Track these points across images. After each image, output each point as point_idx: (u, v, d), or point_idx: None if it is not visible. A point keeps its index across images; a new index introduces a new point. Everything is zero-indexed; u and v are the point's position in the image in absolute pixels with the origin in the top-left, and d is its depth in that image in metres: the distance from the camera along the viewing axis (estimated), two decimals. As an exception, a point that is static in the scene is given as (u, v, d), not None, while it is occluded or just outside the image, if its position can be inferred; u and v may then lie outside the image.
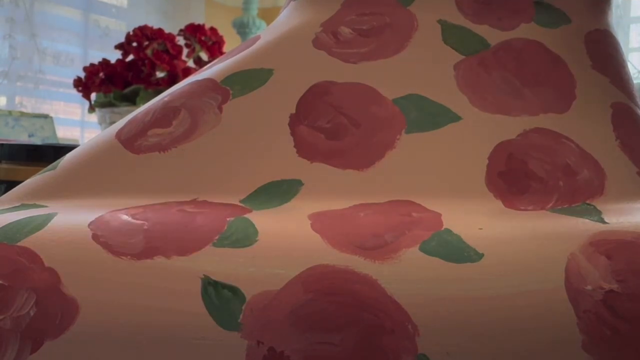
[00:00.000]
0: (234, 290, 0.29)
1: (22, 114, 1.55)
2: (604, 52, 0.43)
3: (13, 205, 0.37)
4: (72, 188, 0.38)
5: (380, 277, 0.29)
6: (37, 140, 1.46)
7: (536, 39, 0.43)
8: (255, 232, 0.32)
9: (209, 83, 0.42)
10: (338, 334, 0.27)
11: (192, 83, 0.42)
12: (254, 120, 0.39)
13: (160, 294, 0.29)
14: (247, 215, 0.33)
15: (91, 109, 1.03)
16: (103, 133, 0.41)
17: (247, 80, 0.42)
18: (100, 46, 2.75)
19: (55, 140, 1.51)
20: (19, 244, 0.31)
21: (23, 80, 2.56)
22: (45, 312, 0.29)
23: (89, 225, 0.33)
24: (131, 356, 0.28)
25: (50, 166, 0.40)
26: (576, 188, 0.36)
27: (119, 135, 0.40)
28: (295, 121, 0.39)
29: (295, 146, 0.38)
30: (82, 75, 1.03)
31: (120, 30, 2.80)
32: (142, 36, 1.02)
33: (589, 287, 0.28)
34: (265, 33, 0.46)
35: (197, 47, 1.08)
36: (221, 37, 1.11)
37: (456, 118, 0.39)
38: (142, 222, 0.33)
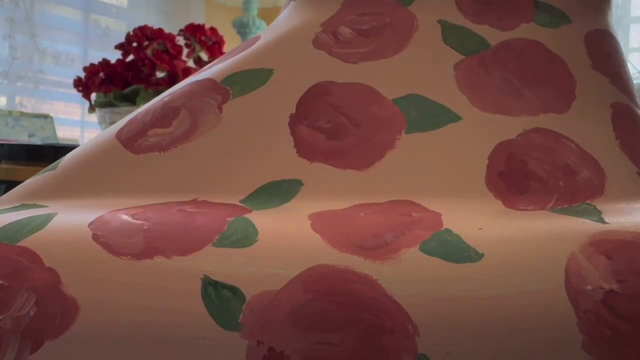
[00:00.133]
0: (234, 290, 0.29)
1: (22, 114, 1.55)
2: (604, 52, 0.43)
3: (13, 205, 0.37)
4: (72, 188, 0.38)
5: (380, 277, 0.29)
6: (37, 140, 1.46)
7: (536, 39, 0.43)
8: (255, 232, 0.32)
9: (209, 83, 0.42)
10: (338, 334, 0.27)
11: (192, 83, 0.42)
12: (254, 120, 0.39)
13: (160, 294, 0.29)
14: (247, 215, 0.33)
15: (91, 109, 1.03)
16: (103, 133, 0.41)
17: (247, 80, 0.42)
18: (100, 46, 2.75)
19: (55, 140, 1.51)
20: (19, 244, 0.31)
21: (23, 80, 2.56)
22: (45, 312, 0.29)
23: (89, 225, 0.33)
24: (131, 356, 0.28)
25: (50, 166, 0.40)
26: (576, 188, 0.36)
27: (119, 135, 0.40)
28: (295, 121, 0.39)
29: (295, 146, 0.38)
30: (82, 75, 1.03)
31: (120, 30, 2.80)
32: (142, 36, 1.02)
33: (589, 287, 0.28)
34: (265, 33, 0.46)
35: (197, 47, 1.08)
36: (221, 37, 1.11)
37: (456, 118, 0.39)
38: (142, 222, 0.33)
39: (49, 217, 0.33)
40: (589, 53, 0.43)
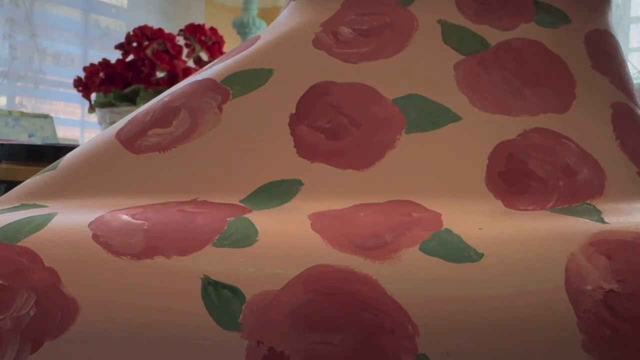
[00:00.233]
0: (234, 290, 0.29)
1: (22, 114, 1.55)
2: (604, 52, 0.43)
3: (13, 205, 0.37)
4: (72, 188, 0.38)
5: (380, 277, 0.29)
6: (37, 140, 1.46)
7: (536, 39, 0.43)
8: (255, 232, 0.32)
9: (209, 83, 0.42)
10: (338, 334, 0.27)
11: (192, 83, 0.42)
12: (254, 120, 0.39)
13: (160, 294, 0.29)
14: (247, 215, 0.33)
15: (91, 109, 1.03)
16: (103, 133, 0.41)
17: (247, 80, 0.42)
18: (100, 46, 2.75)
19: (55, 140, 1.51)
20: (19, 244, 0.31)
21: (23, 80, 2.56)
22: (45, 312, 0.29)
23: (89, 225, 0.33)
24: (131, 356, 0.28)
25: (50, 166, 0.40)
26: (576, 188, 0.36)
27: (119, 135, 0.40)
28: (295, 121, 0.39)
29: (295, 146, 0.38)
30: (82, 75, 1.03)
31: (120, 30, 2.80)
32: (142, 36, 1.02)
33: (589, 287, 0.28)
34: (265, 33, 0.46)
35: (197, 47, 1.08)
36: (221, 37, 1.11)
37: (456, 118, 0.39)
38: (142, 222, 0.33)
39: (49, 217, 0.33)
40: (589, 53, 0.43)
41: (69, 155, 0.40)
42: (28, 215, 0.34)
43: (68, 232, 0.32)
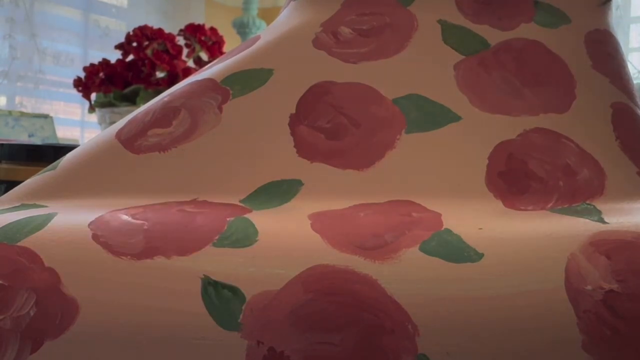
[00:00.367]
0: (234, 290, 0.29)
1: (22, 114, 1.55)
2: (604, 52, 0.43)
3: (13, 205, 0.37)
4: (72, 188, 0.38)
5: (380, 277, 0.29)
6: (37, 140, 1.46)
7: (536, 39, 0.43)
8: (255, 232, 0.32)
9: (209, 83, 0.42)
10: (338, 334, 0.27)
11: (192, 83, 0.42)
12: (254, 120, 0.39)
13: (160, 294, 0.29)
14: (247, 215, 0.33)
15: (91, 109, 1.03)
16: (103, 133, 0.41)
17: (247, 80, 0.42)
18: (100, 46, 2.75)
19: (55, 140, 1.51)
20: (19, 244, 0.31)
21: (23, 80, 2.56)
22: (45, 312, 0.29)
23: (89, 225, 0.33)
24: (131, 356, 0.28)
25: (50, 166, 0.40)
26: (576, 188, 0.36)
27: (119, 135, 0.40)
28: (295, 121, 0.39)
29: (295, 146, 0.38)
30: (82, 75, 1.03)
31: (120, 30, 2.80)
32: (142, 36, 1.02)
33: (589, 287, 0.28)
34: (265, 33, 0.46)
35: (197, 47, 1.08)
36: (221, 37, 1.11)
37: (456, 118, 0.39)
38: (142, 222, 0.33)
39: (49, 217, 0.33)
40: (589, 53, 0.43)
41: (69, 155, 0.40)
42: (28, 215, 0.34)
43: (68, 232, 0.32)
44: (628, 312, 0.28)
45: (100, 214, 0.34)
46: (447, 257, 0.30)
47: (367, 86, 0.41)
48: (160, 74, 1.01)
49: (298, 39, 0.44)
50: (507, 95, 0.40)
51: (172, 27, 1.30)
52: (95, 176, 0.38)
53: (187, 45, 1.08)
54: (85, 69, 1.03)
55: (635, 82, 0.44)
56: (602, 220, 0.32)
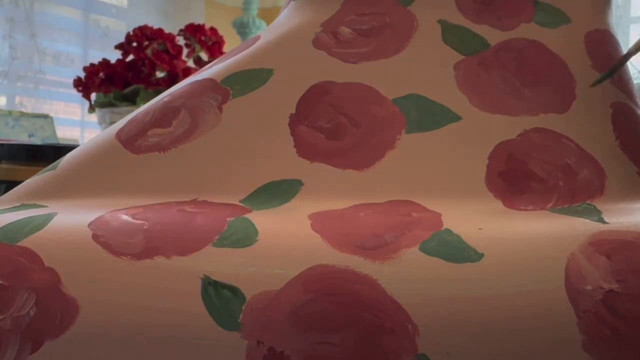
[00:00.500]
0: (234, 290, 0.29)
1: (22, 114, 1.55)
2: (604, 52, 0.43)
3: (13, 205, 0.37)
4: (72, 188, 0.38)
5: (380, 277, 0.29)
6: (37, 140, 1.46)
7: (536, 39, 0.43)
8: (255, 232, 0.32)
9: (209, 83, 0.42)
10: (338, 334, 0.27)
11: (192, 83, 0.42)
12: (254, 120, 0.39)
13: (160, 294, 0.29)
14: (247, 215, 0.33)
15: (91, 109, 1.03)
16: (103, 133, 0.41)
17: (247, 80, 0.42)
18: (100, 46, 2.75)
19: (55, 140, 1.51)
20: (19, 244, 0.31)
21: (23, 80, 2.56)
22: (45, 312, 0.29)
23: (89, 225, 0.33)
24: (131, 356, 0.28)
25: (50, 166, 0.40)
26: (576, 188, 0.36)
27: (119, 135, 0.40)
28: (295, 121, 0.39)
29: (295, 146, 0.38)
30: (82, 75, 1.03)
31: (120, 30, 2.81)
32: (142, 36, 1.02)
33: (589, 287, 0.28)
34: (265, 33, 0.46)
35: (197, 47, 1.08)
36: (221, 37, 1.11)
37: (456, 118, 0.39)
38: (142, 222, 0.33)
39: (49, 217, 0.33)
40: (589, 53, 0.43)
41: (69, 155, 0.40)
42: (28, 215, 0.34)
43: (68, 232, 0.32)
44: (628, 312, 0.28)
45: (100, 214, 0.34)
46: (447, 257, 0.30)
47: (367, 86, 0.41)
48: (160, 74, 1.01)
49: (298, 39, 0.44)
50: (507, 95, 0.40)
51: (172, 27, 1.30)
52: (95, 176, 0.38)
53: (187, 45, 1.08)
54: (85, 69, 1.03)
55: (635, 82, 0.44)
56: (602, 220, 0.32)
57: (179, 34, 1.08)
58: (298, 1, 0.47)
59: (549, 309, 0.28)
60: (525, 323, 0.28)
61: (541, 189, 0.36)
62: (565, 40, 0.43)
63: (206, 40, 1.08)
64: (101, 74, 1.01)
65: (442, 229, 0.32)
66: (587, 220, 0.32)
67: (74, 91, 1.06)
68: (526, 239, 0.31)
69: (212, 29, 1.11)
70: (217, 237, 0.31)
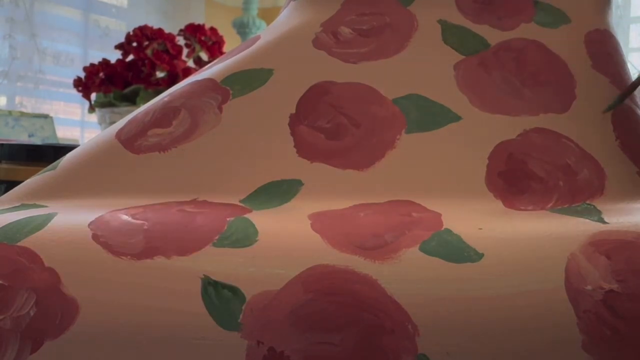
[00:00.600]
0: (234, 290, 0.29)
1: (22, 114, 1.55)
2: (604, 52, 0.43)
3: (13, 205, 0.37)
4: (72, 188, 0.38)
5: (380, 277, 0.29)
6: (37, 140, 1.46)
7: (536, 38, 0.43)
8: (255, 232, 0.32)
9: (209, 83, 0.42)
10: (338, 334, 0.27)
11: (192, 83, 0.42)
12: (254, 120, 0.40)
13: (160, 294, 0.29)
14: (247, 215, 0.33)
15: (91, 109, 1.03)
16: (103, 133, 0.41)
17: (247, 80, 0.42)
18: (100, 46, 2.75)
19: (55, 140, 1.51)
20: (19, 244, 0.31)
21: (23, 80, 2.56)
22: (45, 312, 0.29)
23: (89, 225, 0.33)
24: (131, 356, 0.28)
25: (50, 166, 0.40)
26: (576, 188, 0.36)
27: (119, 135, 0.40)
28: (295, 121, 0.39)
29: (295, 146, 0.38)
30: (82, 75, 1.03)
31: (120, 30, 2.80)
32: (142, 36, 1.02)
33: (589, 287, 0.28)
34: (265, 33, 0.46)
35: (197, 47, 1.08)
36: (221, 37, 1.11)
37: (456, 118, 0.39)
38: (142, 222, 0.33)
39: (49, 217, 0.33)
40: (589, 53, 0.43)
41: (69, 155, 0.40)
42: (28, 215, 0.34)
43: (68, 232, 0.32)
44: (628, 312, 0.28)
45: (100, 214, 0.34)
46: (447, 257, 0.30)
47: (367, 86, 0.41)
48: (160, 74, 1.01)
49: (298, 39, 0.44)
50: (507, 95, 0.40)
51: (172, 27, 1.30)
52: (95, 176, 0.38)
53: (187, 45, 1.08)
54: (85, 69, 1.03)
55: (635, 82, 0.44)
56: (602, 220, 0.32)
57: (179, 34, 1.08)
58: (298, 1, 0.47)
59: (549, 309, 0.28)
60: (525, 323, 0.28)
61: (541, 189, 0.36)
62: (565, 40, 0.43)
63: (206, 40, 1.08)
64: (101, 74, 1.01)
65: (442, 229, 0.32)
66: (587, 220, 0.32)
67: (74, 91, 1.06)
68: (526, 239, 0.31)
69: (212, 29, 1.11)
70: (217, 237, 0.31)
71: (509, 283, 0.29)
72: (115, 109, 0.98)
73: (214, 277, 0.29)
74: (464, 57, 0.42)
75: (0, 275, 0.30)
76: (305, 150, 0.38)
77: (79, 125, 2.82)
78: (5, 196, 0.38)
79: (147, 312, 0.29)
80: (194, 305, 0.29)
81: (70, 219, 0.33)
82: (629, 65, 0.44)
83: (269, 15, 1.19)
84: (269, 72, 0.42)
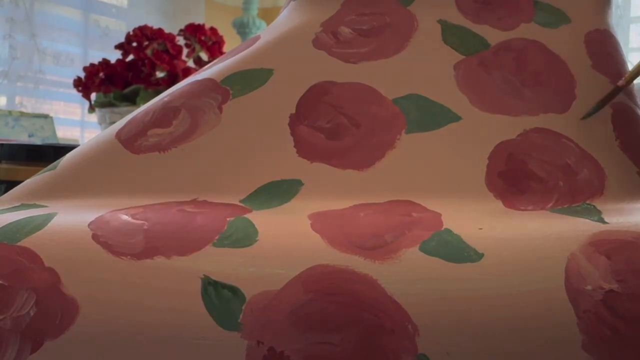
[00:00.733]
0: (234, 290, 0.29)
1: (22, 114, 1.55)
2: (604, 52, 0.43)
3: (13, 205, 0.37)
4: (72, 188, 0.38)
5: (380, 277, 0.29)
6: (37, 140, 1.46)
7: (536, 39, 0.43)
8: (255, 232, 0.32)
9: (209, 83, 0.42)
10: (338, 334, 0.27)
11: (192, 83, 0.42)
12: (254, 120, 0.40)
13: (160, 293, 0.29)
14: (247, 215, 0.33)
15: (91, 109, 1.03)
16: (103, 133, 0.41)
17: (247, 80, 0.42)
18: (100, 46, 2.75)
19: (55, 140, 1.51)
20: (19, 244, 0.31)
21: (23, 80, 2.56)
22: (45, 312, 0.29)
23: (89, 225, 0.33)
24: (131, 356, 0.28)
25: (50, 166, 0.40)
26: (576, 188, 0.36)
27: (119, 135, 0.40)
28: (295, 121, 0.39)
29: (295, 146, 0.38)
30: (82, 75, 1.03)
31: (120, 30, 2.80)
32: (142, 36, 1.02)
33: (589, 287, 0.28)
34: (265, 33, 0.46)
35: (197, 47, 1.08)
36: (221, 37, 1.11)
37: (456, 118, 0.39)
38: (142, 222, 0.33)
39: (48, 217, 0.33)
40: (589, 53, 0.43)
41: (69, 155, 0.40)
42: (28, 215, 0.34)
43: (68, 232, 0.32)
44: (628, 312, 0.28)
45: (100, 214, 0.34)
46: (447, 257, 0.30)
47: (367, 86, 0.41)
48: (160, 74, 1.01)
49: (298, 39, 0.44)
50: (507, 95, 0.40)
51: (172, 27, 1.30)
52: (95, 176, 0.38)
53: (187, 45, 1.08)
54: (85, 69, 1.03)
55: (635, 82, 0.44)
56: (602, 220, 0.32)
57: (179, 34, 1.08)
58: (298, 1, 0.47)
59: (549, 309, 0.28)
60: (525, 323, 0.28)
61: (541, 189, 0.36)
62: (565, 40, 0.43)
63: (206, 40, 1.08)
64: (101, 74, 1.01)
65: (442, 229, 0.32)
66: (587, 220, 0.32)
67: (74, 91, 1.06)
68: (526, 239, 0.31)
69: (212, 29, 1.11)
70: (217, 237, 0.31)
71: (509, 283, 0.29)
72: (115, 109, 0.98)
73: (214, 277, 0.29)
74: (464, 57, 0.42)
75: (0, 275, 0.30)
76: (305, 150, 0.38)
77: (79, 125, 2.82)
78: (5, 196, 0.38)
79: (147, 312, 0.29)
80: (194, 305, 0.29)
81: (70, 219, 0.33)
82: (629, 65, 0.44)
83: (269, 15, 1.19)
84: (269, 72, 0.42)
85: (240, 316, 0.28)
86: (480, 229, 0.32)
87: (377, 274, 0.29)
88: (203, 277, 0.29)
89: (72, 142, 1.74)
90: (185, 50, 1.06)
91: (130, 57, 1.02)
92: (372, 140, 0.38)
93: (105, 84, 1.00)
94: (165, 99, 0.42)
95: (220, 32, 1.13)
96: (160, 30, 1.04)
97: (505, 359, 0.27)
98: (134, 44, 1.02)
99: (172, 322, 0.28)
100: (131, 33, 1.03)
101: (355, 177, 0.37)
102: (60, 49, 2.69)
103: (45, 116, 1.55)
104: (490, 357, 0.27)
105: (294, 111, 0.40)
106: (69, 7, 2.76)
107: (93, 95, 1.03)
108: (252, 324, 0.28)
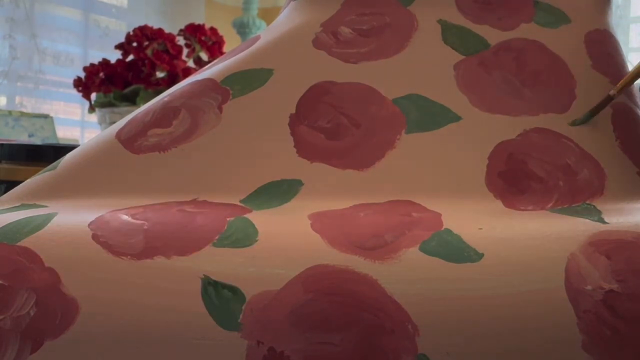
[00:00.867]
0: (234, 290, 0.29)
1: (22, 114, 1.55)
2: (604, 52, 0.43)
3: (13, 205, 0.37)
4: (72, 188, 0.38)
5: (380, 277, 0.29)
6: (37, 140, 1.46)
7: (536, 38, 0.43)
8: (255, 232, 0.32)
9: (209, 83, 0.42)
10: (338, 334, 0.27)
11: (192, 83, 0.42)
12: (254, 120, 0.40)
13: (160, 293, 0.29)
14: (247, 215, 0.33)
15: (91, 109, 1.03)
16: (103, 133, 0.41)
17: (247, 80, 0.42)
18: (100, 46, 2.75)
19: (55, 140, 1.51)
20: (19, 244, 0.31)
21: (23, 80, 2.55)
22: (45, 312, 0.29)
23: (89, 225, 0.33)
24: (131, 356, 0.28)
25: (50, 166, 0.40)
26: (576, 188, 0.36)
27: (119, 135, 0.40)
28: (295, 121, 0.39)
29: (295, 146, 0.38)
30: (82, 75, 1.03)
31: (120, 30, 2.80)
32: (142, 36, 1.02)
33: (589, 287, 0.28)
34: (265, 33, 0.46)
35: (197, 47, 1.08)
36: (221, 37, 1.11)
37: (456, 118, 0.39)
38: (142, 222, 0.33)
39: (49, 217, 0.33)
40: (589, 53, 0.43)
41: (69, 155, 0.40)
42: (28, 215, 0.34)
43: (68, 232, 0.32)
44: (628, 312, 0.28)
45: (100, 214, 0.34)
46: (447, 257, 0.30)
47: (367, 86, 0.41)
48: (160, 74, 1.01)
49: (298, 39, 0.44)
50: (507, 95, 0.40)
51: (172, 27, 1.30)
52: (95, 176, 0.38)
53: (187, 45, 1.08)
54: (85, 69, 1.03)
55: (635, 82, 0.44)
56: (602, 220, 0.32)
57: (179, 34, 1.08)
58: (298, 1, 0.47)
59: (549, 309, 0.28)
60: (525, 323, 0.28)
61: (541, 189, 0.36)
62: (565, 40, 0.43)
63: (206, 40, 1.08)
64: (101, 74, 1.01)
65: (442, 229, 0.32)
66: (587, 220, 0.32)
67: (74, 91, 1.06)
68: (526, 239, 0.31)
69: (212, 29, 1.11)
70: (217, 237, 0.31)
71: (509, 283, 0.29)
72: (115, 109, 0.98)
73: (214, 277, 0.29)
74: (464, 57, 0.42)
75: (0, 275, 0.30)
76: (305, 150, 0.38)
77: (79, 125, 2.82)
78: (5, 196, 0.38)
79: (147, 312, 0.29)
80: (194, 305, 0.29)
81: (70, 219, 0.33)
82: (629, 65, 0.44)
83: (269, 15, 1.19)
84: (269, 72, 0.42)
85: (240, 316, 0.28)
86: (480, 229, 0.32)
87: (377, 274, 0.29)
88: (203, 277, 0.29)
89: (72, 142, 1.74)
90: (185, 50, 1.06)
91: (130, 57, 1.02)
92: (372, 140, 0.38)
93: (105, 84, 1.00)
94: (165, 99, 0.42)
95: (220, 32, 1.13)
96: (160, 30, 1.04)
97: (505, 359, 0.27)
98: (134, 44, 1.02)
99: (172, 322, 0.28)
100: (131, 33, 1.03)
101: (355, 177, 0.37)
102: (60, 49, 2.69)
103: (45, 116, 1.55)
104: (490, 357, 0.27)
105: (294, 111, 0.40)
106: (69, 7, 2.76)
107: (93, 95, 1.03)
108: (252, 324, 0.28)
